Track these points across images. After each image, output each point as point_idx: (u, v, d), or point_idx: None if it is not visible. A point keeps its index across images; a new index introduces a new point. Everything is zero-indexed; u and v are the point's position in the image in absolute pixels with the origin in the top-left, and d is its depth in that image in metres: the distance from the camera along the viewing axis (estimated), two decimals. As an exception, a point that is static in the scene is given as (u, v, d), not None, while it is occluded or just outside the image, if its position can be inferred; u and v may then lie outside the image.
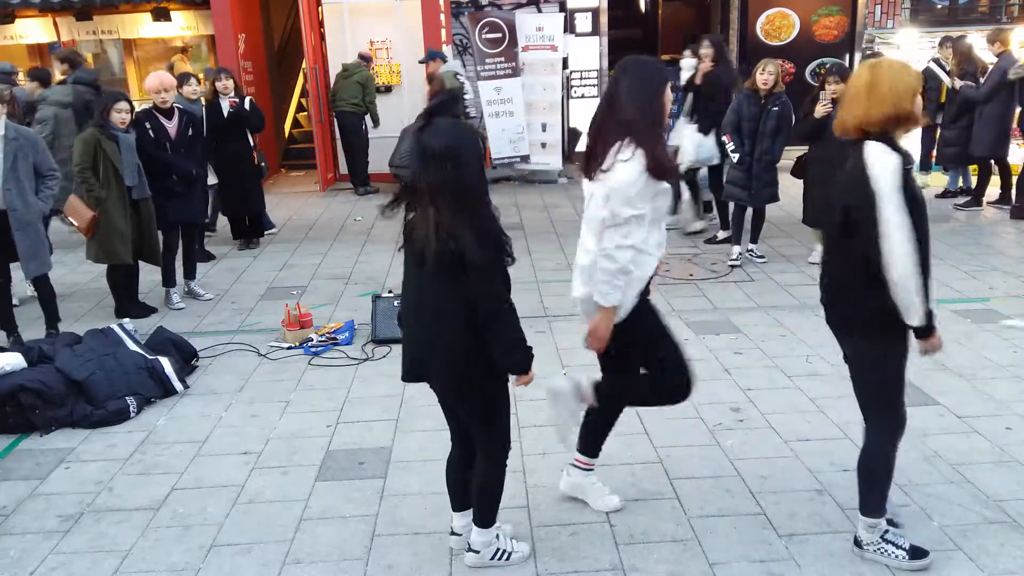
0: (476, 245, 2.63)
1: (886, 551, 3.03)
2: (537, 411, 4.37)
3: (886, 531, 3.05)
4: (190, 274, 6.61)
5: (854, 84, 2.88)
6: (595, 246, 3.00)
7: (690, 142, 7.48)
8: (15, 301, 6.27)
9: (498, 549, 3.12)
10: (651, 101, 2.96)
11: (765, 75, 6.53)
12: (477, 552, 3.09)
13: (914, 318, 2.74)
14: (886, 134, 2.78)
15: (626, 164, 2.91)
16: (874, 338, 2.89)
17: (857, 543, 3.10)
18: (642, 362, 3.23)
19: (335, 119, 10.36)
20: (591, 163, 3.05)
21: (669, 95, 3.03)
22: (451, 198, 2.65)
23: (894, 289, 2.70)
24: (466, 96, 8.81)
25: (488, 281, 2.71)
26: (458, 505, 3.17)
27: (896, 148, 2.75)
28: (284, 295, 6.51)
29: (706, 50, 7.50)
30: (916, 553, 3.03)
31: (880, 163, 2.70)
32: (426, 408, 4.37)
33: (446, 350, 2.83)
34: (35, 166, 5.25)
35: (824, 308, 3.09)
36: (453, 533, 3.21)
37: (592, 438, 3.42)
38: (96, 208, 5.69)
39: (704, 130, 7.39)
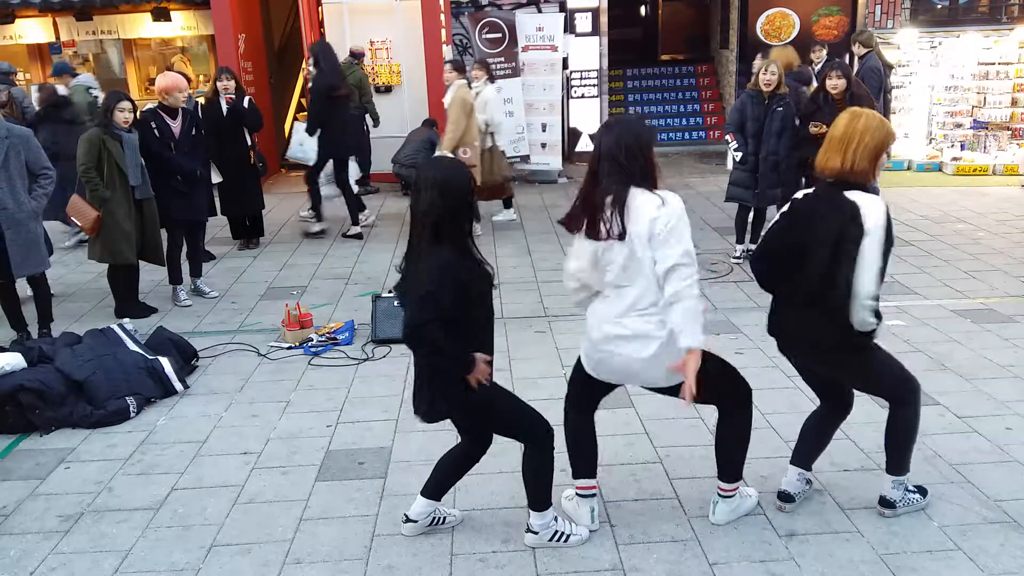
0: (416, 281, 2.82)
1: (910, 500, 3.35)
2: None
3: (906, 484, 3.34)
4: (196, 272, 6.62)
5: (837, 130, 3.07)
6: (647, 295, 2.93)
7: (295, 138, 8.08)
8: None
9: (556, 531, 3.21)
10: (647, 154, 2.96)
11: (767, 75, 6.53)
12: (536, 533, 3.20)
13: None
14: (859, 186, 3.03)
15: (662, 199, 2.87)
16: (863, 346, 3.13)
17: (889, 504, 3.33)
18: (715, 386, 3.14)
19: None
20: (595, 224, 2.94)
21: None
22: (428, 227, 2.84)
23: (859, 309, 2.97)
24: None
25: (414, 312, 2.80)
26: (428, 492, 3.29)
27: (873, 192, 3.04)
28: (284, 295, 6.51)
29: (311, 57, 8.05)
30: (922, 491, 3.41)
31: (873, 210, 2.94)
32: (426, 408, 4.37)
33: (420, 373, 3.04)
34: (27, 164, 5.21)
35: (802, 356, 3.30)
36: (407, 519, 3.30)
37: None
38: (100, 208, 5.69)
39: (310, 131, 7.93)
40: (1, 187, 5.06)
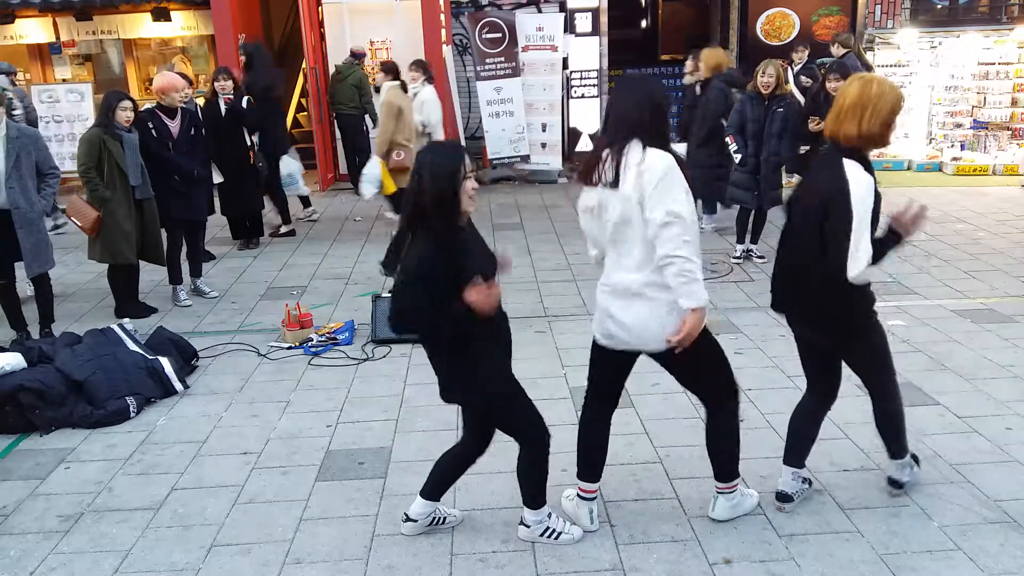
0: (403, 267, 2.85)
1: (914, 475, 3.53)
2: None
3: (910, 464, 3.50)
4: (196, 272, 6.63)
5: (849, 97, 3.06)
6: (641, 256, 2.92)
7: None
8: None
9: (547, 527, 3.23)
10: (657, 109, 2.96)
11: (765, 77, 6.53)
12: (528, 527, 3.24)
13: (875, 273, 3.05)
14: (860, 151, 3.05)
15: (645, 155, 2.86)
16: (869, 329, 3.22)
17: (896, 484, 3.47)
18: (709, 371, 3.17)
19: (335, 120, 10.35)
20: (595, 170, 2.98)
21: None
22: (416, 210, 2.85)
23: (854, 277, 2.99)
24: (15, 112, 8.80)
25: (397, 299, 2.83)
26: (427, 492, 3.29)
27: (867, 166, 3.04)
28: (284, 295, 6.51)
29: (242, 57, 8.45)
30: (916, 460, 3.57)
31: (857, 182, 2.95)
32: (426, 408, 4.37)
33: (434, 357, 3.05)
34: (37, 164, 5.27)
35: (817, 332, 3.28)
36: (407, 518, 3.31)
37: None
38: (100, 208, 5.70)
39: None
40: (13, 187, 5.12)
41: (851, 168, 2.99)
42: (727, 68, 7.68)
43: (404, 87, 7.74)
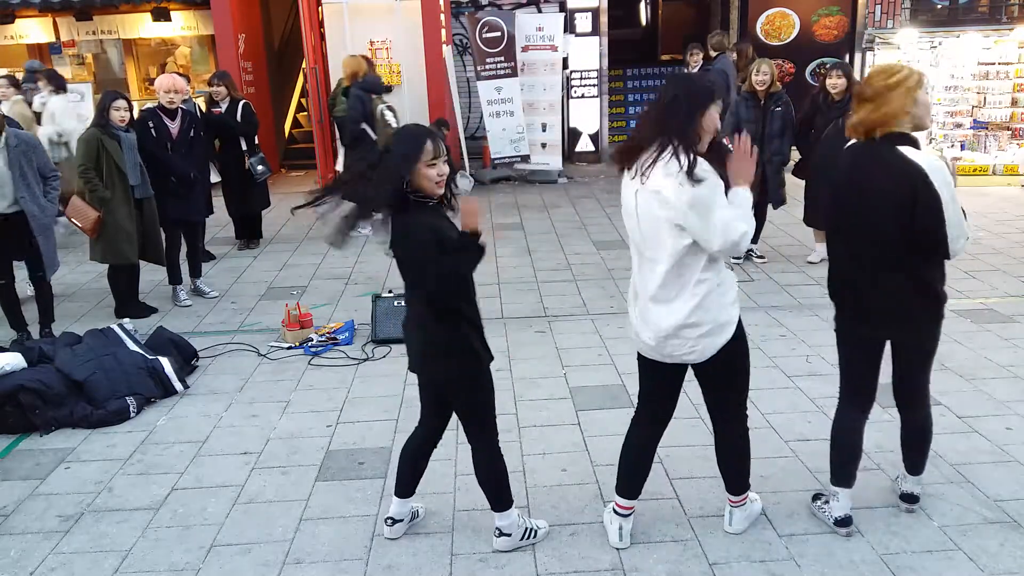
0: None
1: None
2: (537, 411, 4.37)
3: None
4: (196, 272, 6.63)
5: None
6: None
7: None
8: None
9: (526, 528, 3.23)
10: (691, 117, 2.86)
11: (760, 75, 6.51)
12: (509, 535, 3.19)
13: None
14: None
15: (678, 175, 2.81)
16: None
17: (912, 499, 3.36)
18: (740, 386, 3.15)
19: (334, 123, 10.31)
20: (631, 160, 2.91)
21: (714, 114, 2.91)
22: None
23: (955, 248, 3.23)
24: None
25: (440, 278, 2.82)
26: (402, 491, 3.28)
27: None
28: (284, 295, 6.51)
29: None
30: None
31: (933, 164, 3.04)
32: (426, 408, 4.36)
33: (421, 345, 3.02)
34: (39, 169, 5.29)
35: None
36: (393, 521, 3.30)
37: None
38: (101, 208, 5.70)
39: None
40: (24, 197, 5.17)
41: (918, 153, 3.06)
42: (364, 75, 7.93)
43: (29, 103, 8.00)
